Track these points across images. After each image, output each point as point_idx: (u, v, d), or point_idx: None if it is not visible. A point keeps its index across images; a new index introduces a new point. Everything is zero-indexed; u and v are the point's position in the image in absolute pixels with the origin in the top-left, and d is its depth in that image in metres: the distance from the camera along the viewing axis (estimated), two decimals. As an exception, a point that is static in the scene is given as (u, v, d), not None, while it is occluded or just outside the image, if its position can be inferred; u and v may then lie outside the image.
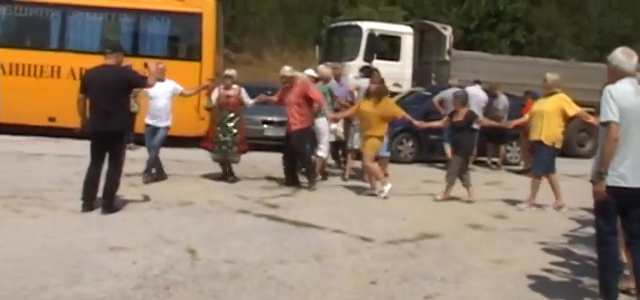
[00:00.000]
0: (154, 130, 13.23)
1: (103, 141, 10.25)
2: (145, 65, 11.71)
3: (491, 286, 7.63)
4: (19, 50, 19.29)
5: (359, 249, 8.92)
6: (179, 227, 9.45)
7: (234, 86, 13.74)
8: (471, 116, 13.59)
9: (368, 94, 13.39)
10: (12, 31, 20.10)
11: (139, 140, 12.87)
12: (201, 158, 14.38)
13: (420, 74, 24.44)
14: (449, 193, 13.12)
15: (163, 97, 13.20)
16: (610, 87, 6.74)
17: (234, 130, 13.56)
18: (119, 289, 6.72)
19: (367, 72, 16.23)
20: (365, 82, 14.94)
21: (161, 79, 12.94)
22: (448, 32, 24.09)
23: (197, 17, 19.48)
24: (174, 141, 16.06)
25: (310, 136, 14.21)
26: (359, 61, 21.49)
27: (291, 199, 12.32)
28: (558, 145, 12.63)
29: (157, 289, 6.80)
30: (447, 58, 23.54)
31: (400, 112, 13.77)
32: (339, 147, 15.95)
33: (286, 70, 13.99)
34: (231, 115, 13.58)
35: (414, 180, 14.45)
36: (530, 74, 20.81)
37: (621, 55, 6.94)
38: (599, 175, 6.67)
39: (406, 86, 22.71)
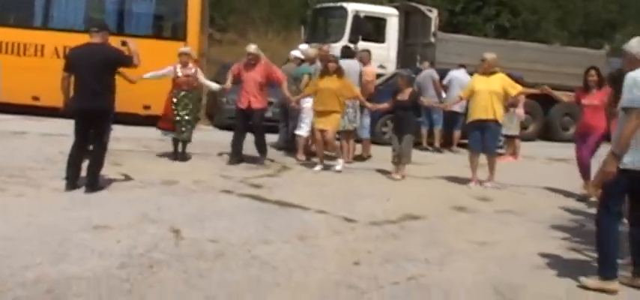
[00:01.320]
0: None
1: (88, 120, 10.23)
2: (123, 43, 11.65)
3: (474, 267, 7.67)
4: (3, 28, 19.14)
5: (342, 230, 8.96)
6: (163, 206, 9.45)
7: (191, 65, 13.79)
8: (416, 96, 13.86)
9: (327, 72, 13.63)
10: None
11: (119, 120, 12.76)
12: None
13: (404, 56, 24.46)
14: (404, 172, 13.39)
15: None
16: (633, 74, 6.84)
17: (193, 108, 13.70)
18: (104, 267, 6.72)
19: (348, 52, 16.17)
20: (345, 63, 14.93)
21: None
22: (433, 14, 24.10)
23: (182, -4, 19.41)
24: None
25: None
26: (344, 43, 21.43)
27: (275, 179, 12.35)
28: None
29: (141, 267, 6.80)
30: (432, 40, 23.56)
31: (357, 93, 14.18)
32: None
33: (252, 48, 14.12)
34: (190, 94, 13.65)
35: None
36: (515, 58, 20.87)
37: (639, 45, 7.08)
38: (614, 157, 6.75)
39: (391, 68, 22.71)
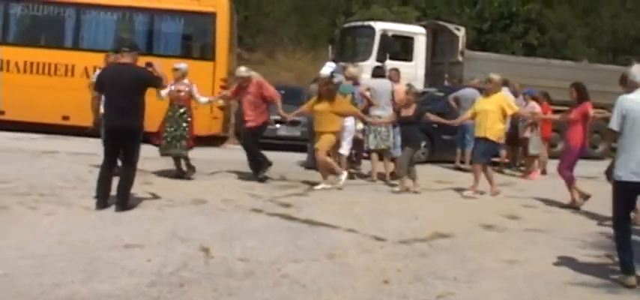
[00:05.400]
0: None
1: (117, 139, 10.31)
2: (148, 64, 11.75)
3: (503, 285, 7.66)
4: (34, 48, 19.39)
5: (372, 248, 8.96)
6: (193, 225, 9.52)
7: (185, 81, 13.73)
8: (422, 111, 14.12)
9: (320, 96, 13.79)
10: (26, 29, 20.21)
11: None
12: (214, 157, 14.42)
13: (432, 75, 24.42)
14: (406, 185, 13.75)
15: None
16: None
17: (184, 124, 13.50)
18: (134, 286, 6.78)
19: (379, 72, 16.24)
20: (377, 83, 15.00)
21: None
22: (461, 33, 24.04)
23: (211, 17, 19.54)
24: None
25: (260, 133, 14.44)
26: (371, 62, 21.44)
27: (303, 198, 12.35)
28: (501, 141, 14.01)
29: (171, 286, 6.86)
30: (460, 58, 23.48)
31: (354, 110, 14.33)
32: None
33: (242, 70, 14.34)
34: (182, 109, 13.53)
35: (427, 180, 14.45)
36: (543, 75, 20.80)
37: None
38: None
39: (419, 87, 22.64)
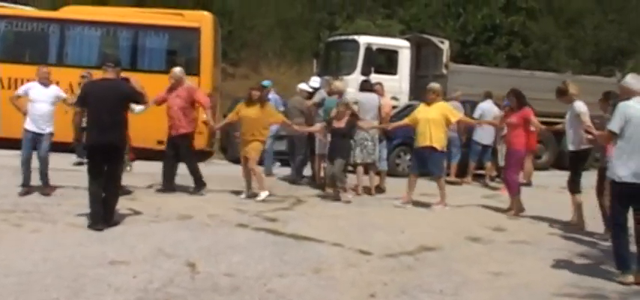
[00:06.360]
0: (36, 137, 12.74)
1: (102, 154, 10.26)
2: (126, 80, 11.61)
3: (489, 298, 7.68)
4: (18, 65, 19.30)
5: (358, 262, 8.96)
6: (179, 241, 9.50)
7: None
8: (353, 122, 14.17)
9: (250, 101, 13.76)
10: (10, 45, 20.14)
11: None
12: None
13: (417, 88, 24.36)
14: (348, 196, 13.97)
15: (46, 102, 12.75)
16: None
17: None
18: (120, 302, 6.76)
19: (367, 86, 16.26)
20: (364, 97, 15.04)
21: (45, 83, 12.91)
22: (445, 46, 24.00)
23: (195, 32, 19.54)
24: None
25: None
26: (356, 75, 21.42)
27: (289, 212, 12.34)
28: (445, 150, 13.85)
29: (157, 302, 6.85)
30: (444, 71, 23.42)
31: (282, 118, 14.54)
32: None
33: (177, 70, 14.06)
34: None
35: (413, 193, 14.47)
36: (527, 87, 20.79)
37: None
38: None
39: (404, 100, 22.69)
